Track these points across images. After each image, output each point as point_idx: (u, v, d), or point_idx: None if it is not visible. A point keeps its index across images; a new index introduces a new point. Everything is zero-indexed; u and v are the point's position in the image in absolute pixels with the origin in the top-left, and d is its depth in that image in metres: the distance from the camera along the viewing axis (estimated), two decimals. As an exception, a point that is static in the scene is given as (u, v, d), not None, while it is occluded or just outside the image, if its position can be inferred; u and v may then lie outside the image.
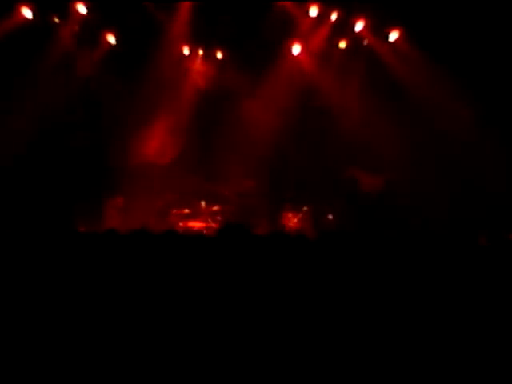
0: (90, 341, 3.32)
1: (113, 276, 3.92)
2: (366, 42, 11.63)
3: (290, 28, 11.41)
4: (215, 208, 11.95)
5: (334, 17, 11.22)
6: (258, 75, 11.87)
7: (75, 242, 4.36)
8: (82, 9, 10.75)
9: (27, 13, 10.34)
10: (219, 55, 12.23)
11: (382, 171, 11.57)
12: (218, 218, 11.67)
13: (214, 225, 11.34)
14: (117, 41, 11.52)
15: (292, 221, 11.67)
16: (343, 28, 11.50)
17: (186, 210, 11.85)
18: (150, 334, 3.36)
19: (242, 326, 3.41)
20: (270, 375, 3.16)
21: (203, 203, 11.93)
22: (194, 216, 11.80)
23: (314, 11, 11.01)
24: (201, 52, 12.23)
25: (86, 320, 3.46)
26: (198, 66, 12.42)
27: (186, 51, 12.08)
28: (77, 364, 3.17)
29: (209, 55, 12.31)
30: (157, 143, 12.22)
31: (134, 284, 3.79)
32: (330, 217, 11.52)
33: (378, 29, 11.37)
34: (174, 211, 11.77)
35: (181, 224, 11.53)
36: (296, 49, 11.88)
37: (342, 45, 11.75)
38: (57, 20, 10.84)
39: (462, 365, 3.27)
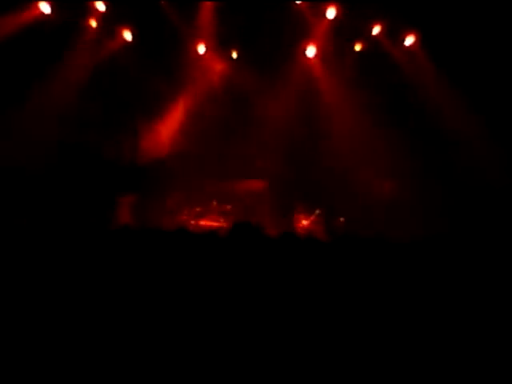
0: (99, 336, 3.34)
1: (125, 273, 3.95)
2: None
3: (305, 29, 11.38)
4: (227, 207, 12.00)
5: (349, 19, 11.16)
6: (272, 75, 11.89)
7: (88, 239, 4.40)
8: (100, 6, 10.83)
9: (45, 8, 10.40)
10: (234, 54, 12.25)
11: (391, 175, 11.52)
12: (230, 217, 11.70)
13: (225, 224, 11.37)
14: (133, 37, 11.56)
15: (304, 223, 11.66)
16: (359, 31, 11.48)
17: (198, 209, 11.89)
18: (160, 330, 3.38)
19: (249, 325, 3.42)
20: (276, 375, 3.17)
21: (215, 202, 11.97)
22: (205, 215, 11.84)
23: (331, 13, 10.95)
24: (216, 50, 12.25)
25: (99, 315, 3.49)
26: (212, 64, 12.45)
27: (201, 49, 12.10)
28: (84, 360, 3.20)
29: (224, 54, 12.33)
30: (170, 141, 12.27)
31: (145, 281, 3.81)
32: (342, 220, 11.49)
33: (394, 33, 11.34)
34: (186, 210, 11.81)
35: (192, 222, 11.56)
36: (311, 51, 11.90)
37: (358, 48, 11.72)
38: (77, 17, 10.90)
39: (463, 365, 3.27)
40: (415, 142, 11.08)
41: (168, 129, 12.25)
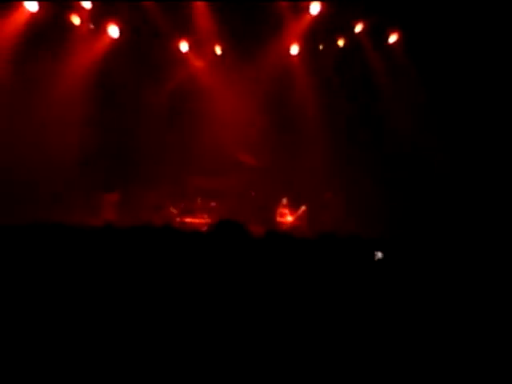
0: (82, 337, 3.33)
1: (108, 271, 3.94)
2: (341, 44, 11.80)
3: (289, 26, 11.43)
4: (212, 204, 12.02)
5: (331, 16, 11.21)
6: (255, 72, 11.96)
7: (72, 237, 4.38)
8: (86, 4, 10.78)
9: (31, 6, 10.31)
10: (218, 50, 12.27)
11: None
12: (215, 213, 11.73)
13: (210, 220, 11.37)
14: (120, 33, 11.53)
15: (288, 218, 11.69)
16: (341, 28, 11.55)
17: (183, 206, 11.90)
18: (142, 330, 3.37)
19: (234, 324, 3.43)
20: (259, 376, 3.18)
21: (199, 199, 11.99)
22: (190, 211, 11.86)
23: (314, 9, 10.98)
24: (200, 47, 12.27)
25: (79, 315, 3.47)
26: (195, 61, 12.48)
27: (184, 47, 12.11)
28: (69, 362, 3.18)
29: (208, 51, 12.35)
30: (151, 138, 12.23)
31: (129, 279, 3.81)
32: (327, 216, 11.55)
33: (377, 31, 11.42)
34: (171, 206, 11.81)
35: (177, 219, 11.57)
36: (294, 48, 11.99)
37: (340, 43, 11.79)
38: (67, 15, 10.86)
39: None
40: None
41: (149, 125, 12.21)
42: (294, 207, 11.77)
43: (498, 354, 3.34)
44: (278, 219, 11.68)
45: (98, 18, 11.19)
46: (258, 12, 10.92)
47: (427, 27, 10.38)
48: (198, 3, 10.83)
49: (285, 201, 11.75)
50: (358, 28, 11.30)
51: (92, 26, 11.28)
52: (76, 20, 10.92)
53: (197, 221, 11.61)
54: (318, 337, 3.42)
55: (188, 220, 11.64)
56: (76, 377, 3.10)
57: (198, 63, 12.50)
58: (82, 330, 3.33)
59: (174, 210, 11.77)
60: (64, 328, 3.33)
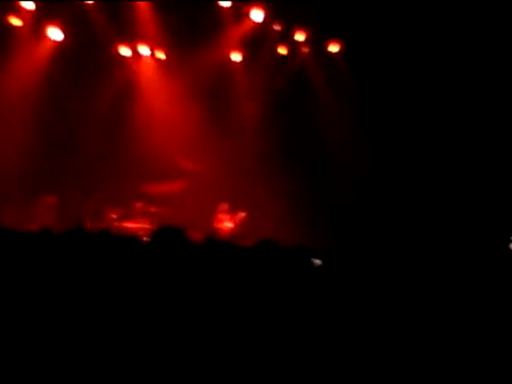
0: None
1: (43, 277, 3.87)
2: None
3: (231, 32, 11.53)
4: (151, 209, 11.90)
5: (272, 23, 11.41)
6: (194, 77, 11.99)
7: (5, 241, 4.29)
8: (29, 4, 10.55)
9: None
10: (162, 55, 12.22)
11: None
12: (154, 219, 11.61)
13: (149, 226, 11.25)
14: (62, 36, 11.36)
15: (227, 225, 11.71)
16: (282, 35, 11.73)
17: (122, 211, 11.74)
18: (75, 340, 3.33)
19: (170, 333, 3.42)
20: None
21: (139, 204, 11.86)
22: (129, 216, 11.71)
23: (258, 16, 11.13)
24: (142, 52, 12.21)
25: (16, 321, 3.41)
26: (137, 65, 12.41)
27: (125, 51, 12.04)
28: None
29: (151, 55, 12.31)
30: (92, 142, 12.05)
31: (66, 285, 3.76)
32: (267, 223, 11.62)
33: (317, 40, 11.64)
34: (110, 211, 11.63)
35: (116, 224, 11.40)
36: (235, 55, 12.10)
37: (282, 51, 11.96)
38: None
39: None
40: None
41: (91, 129, 12.02)
42: (233, 213, 11.81)
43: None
44: (217, 225, 11.68)
45: (39, 21, 10.97)
46: (199, 17, 10.99)
47: (368, 36, 10.67)
48: (141, 6, 10.79)
49: (224, 207, 11.78)
50: (299, 36, 11.48)
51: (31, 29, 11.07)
52: (17, 22, 10.70)
53: (136, 226, 11.46)
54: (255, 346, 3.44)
55: (127, 225, 11.48)
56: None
57: (138, 67, 12.43)
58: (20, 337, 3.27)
59: (113, 215, 11.59)
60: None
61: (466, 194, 10.26)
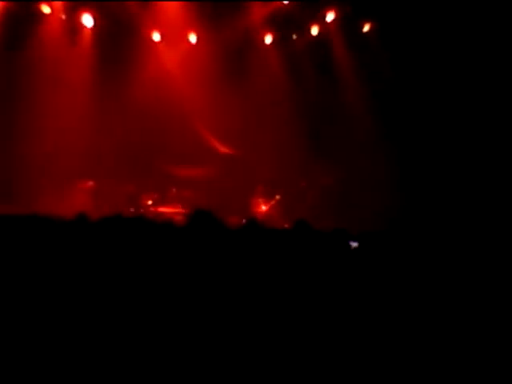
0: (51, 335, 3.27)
1: (81, 263, 3.90)
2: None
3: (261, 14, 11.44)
4: (186, 193, 11.93)
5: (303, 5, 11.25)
6: (232, 61, 11.97)
7: (43, 228, 4.33)
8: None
9: None
10: (193, 38, 12.21)
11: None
12: (189, 203, 11.64)
13: (184, 210, 11.30)
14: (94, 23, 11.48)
15: (263, 208, 11.69)
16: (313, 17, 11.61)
17: (157, 196, 11.81)
18: (115, 326, 3.33)
19: (213, 318, 3.39)
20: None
21: (174, 188, 11.91)
22: (164, 201, 11.78)
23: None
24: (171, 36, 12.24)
25: (50, 310, 3.42)
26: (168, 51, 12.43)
27: (156, 37, 12.09)
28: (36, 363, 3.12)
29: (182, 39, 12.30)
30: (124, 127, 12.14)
31: (103, 271, 3.78)
32: (302, 206, 11.58)
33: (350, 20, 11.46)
34: (145, 196, 11.72)
35: (151, 209, 11.49)
36: (268, 38, 12.02)
37: (314, 32, 11.83)
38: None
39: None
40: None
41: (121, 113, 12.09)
42: (268, 196, 11.80)
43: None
44: (254, 209, 11.69)
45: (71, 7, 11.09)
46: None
47: (401, 17, 10.44)
48: None
49: (260, 190, 11.77)
50: (330, 17, 11.33)
51: (63, 17, 11.16)
52: (46, 9, 10.82)
53: (171, 210, 11.53)
54: (300, 330, 3.40)
55: (162, 210, 11.56)
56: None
57: (171, 53, 12.43)
58: (53, 326, 3.29)
59: (147, 200, 11.67)
60: (36, 325, 3.29)
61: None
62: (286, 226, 10.01)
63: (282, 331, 3.35)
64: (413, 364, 3.22)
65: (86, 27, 11.48)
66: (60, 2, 10.91)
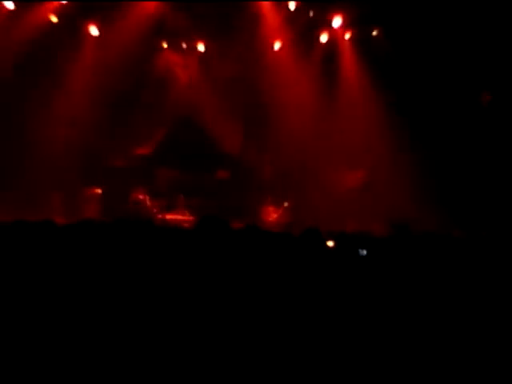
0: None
1: (87, 267, 3.86)
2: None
3: (269, 22, 11.38)
4: (194, 201, 11.89)
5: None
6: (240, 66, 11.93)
7: (49, 234, 4.30)
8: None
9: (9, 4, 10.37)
10: (201, 48, 12.19)
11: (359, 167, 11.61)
12: (197, 211, 11.59)
13: (192, 218, 11.25)
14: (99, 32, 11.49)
15: (272, 215, 11.63)
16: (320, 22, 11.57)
17: (165, 202, 11.78)
18: (122, 328, 3.30)
19: (220, 320, 3.37)
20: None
21: (182, 196, 11.87)
22: (172, 208, 11.74)
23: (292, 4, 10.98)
24: (183, 45, 12.27)
25: (53, 314, 3.39)
26: (177, 59, 12.44)
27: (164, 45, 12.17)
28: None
29: (189, 48, 12.30)
30: (137, 135, 12.17)
31: (109, 276, 3.74)
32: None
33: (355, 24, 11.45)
34: (153, 203, 11.68)
35: (159, 216, 11.44)
36: (277, 44, 11.95)
37: (323, 38, 11.77)
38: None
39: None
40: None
41: (134, 122, 12.09)
42: (277, 204, 11.73)
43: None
44: (264, 217, 11.61)
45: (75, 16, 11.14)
46: (236, 9, 10.93)
47: (408, 22, 10.41)
48: None
49: (269, 198, 11.72)
50: (337, 23, 11.30)
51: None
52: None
53: (179, 218, 11.48)
54: (302, 332, 3.37)
55: (169, 217, 11.51)
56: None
57: (179, 60, 12.45)
58: (56, 327, 3.26)
59: (154, 207, 11.63)
60: (38, 327, 3.26)
61: None
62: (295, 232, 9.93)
63: (283, 331, 3.34)
64: (414, 365, 3.21)
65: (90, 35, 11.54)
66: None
